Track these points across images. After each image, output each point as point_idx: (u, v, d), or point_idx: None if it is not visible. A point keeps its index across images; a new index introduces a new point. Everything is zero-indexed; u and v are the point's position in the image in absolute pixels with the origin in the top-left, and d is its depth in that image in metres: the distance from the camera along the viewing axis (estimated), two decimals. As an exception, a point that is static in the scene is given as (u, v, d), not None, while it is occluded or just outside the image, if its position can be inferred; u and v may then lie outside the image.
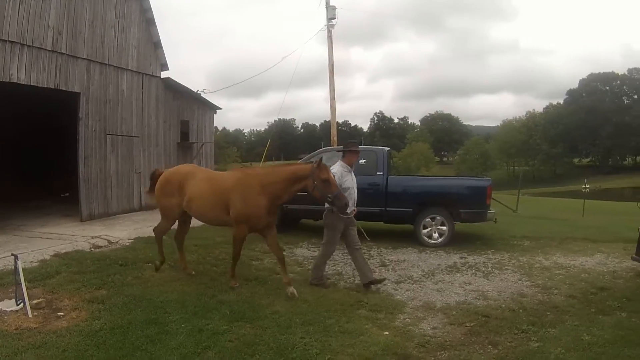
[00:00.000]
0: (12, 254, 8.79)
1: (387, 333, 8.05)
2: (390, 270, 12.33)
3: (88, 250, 12.98)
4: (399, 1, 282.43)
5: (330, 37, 30.30)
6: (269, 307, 8.93)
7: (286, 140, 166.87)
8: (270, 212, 9.91)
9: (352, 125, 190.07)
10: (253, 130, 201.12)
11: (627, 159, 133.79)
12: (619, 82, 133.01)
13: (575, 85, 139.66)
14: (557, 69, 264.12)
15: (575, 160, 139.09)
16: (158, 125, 22.70)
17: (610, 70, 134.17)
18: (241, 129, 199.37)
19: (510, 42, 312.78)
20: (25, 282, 8.28)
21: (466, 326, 8.54)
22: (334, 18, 30.14)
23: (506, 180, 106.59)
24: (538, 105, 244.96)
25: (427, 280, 11.66)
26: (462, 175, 71.83)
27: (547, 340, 7.88)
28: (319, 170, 9.44)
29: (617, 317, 9.10)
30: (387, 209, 15.65)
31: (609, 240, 16.72)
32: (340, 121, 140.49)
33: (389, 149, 17.40)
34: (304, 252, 14.25)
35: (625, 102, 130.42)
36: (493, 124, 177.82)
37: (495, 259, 13.95)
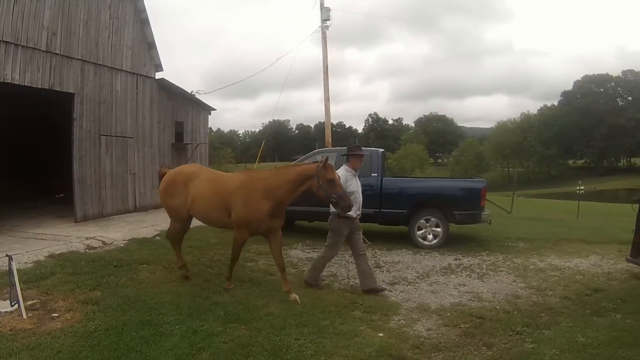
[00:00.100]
0: (7, 255, 8.78)
1: (381, 334, 8.05)
2: (385, 271, 12.34)
3: (82, 251, 12.99)
4: (394, 2, 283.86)
5: (324, 38, 30.29)
6: (263, 309, 8.92)
7: (281, 141, 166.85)
8: (274, 215, 9.75)
9: (347, 126, 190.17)
10: (248, 131, 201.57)
11: (621, 160, 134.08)
12: (613, 83, 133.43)
13: (569, 86, 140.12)
14: (551, 70, 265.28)
15: (570, 161, 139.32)
16: (152, 126, 22.71)
17: (605, 72, 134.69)
18: (236, 130, 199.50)
19: (505, 43, 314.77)
20: (19, 283, 8.26)
21: (461, 328, 8.54)
22: (329, 19, 30.12)
23: (500, 181, 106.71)
24: (532, 106, 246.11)
25: (422, 281, 11.68)
26: (457, 176, 71.95)
27: (541, 341, 7.88)
28: (324, 169, 9.36)
29: (611, 318, 9.12)
30: (382, 210, 15.66)
31: (604, 242, 16.77)
32: (334, 122, 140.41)
33: (383, 150, 17.41)
34: (298, 254, 14.26)
35: (620, 103, 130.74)
36: (487, 126, 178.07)
37: (489, 260, 13.98)
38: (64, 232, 15.56)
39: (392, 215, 15.81)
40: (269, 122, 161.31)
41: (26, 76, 15.90)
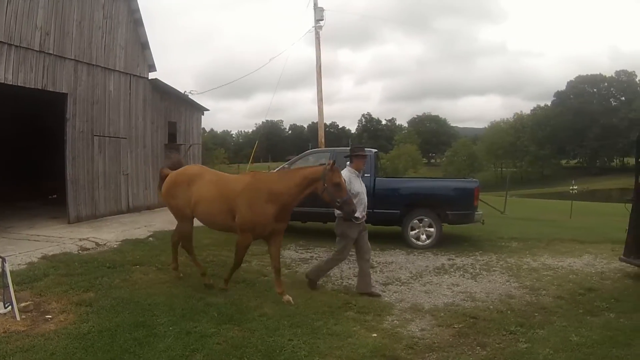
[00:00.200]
0: (0, 257, 8.75)
1: (375, 335, 8.06)
2: (378, 272, 12.32)
3: (76, 252, 12.94)
4: (387, 3, 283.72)
5: (318, 39, 30.34)
6: (257, 310, 8.92)
7: (274, 142, 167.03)
8: (278, 218, 9.64)
9: (340, 126, 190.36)
10: (241, 131, 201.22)
11: (614, 160, 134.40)
12: (606, 84, 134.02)
13: (563, 87, 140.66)
14: (545, 71, 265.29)
15: (563, 161, 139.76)
16: (145, 126, 22.67)
17: (598, 72, 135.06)
18: (229, 130, 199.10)
19: (499, 44, 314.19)
20: (13, 285, 8.24)
21: (454, 328, 8.56)
22: (322, 19, 30.21)
23: (494, 181, 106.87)
24: (526, 107, 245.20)
25: (415, 282, 11.70)
26: (450, 177, 72.02)
27: (535, 341, 7.91)
28: (331, 173, 9.27)
29: (605, 317, 9.16)
30: (375, 210, 15.58)
31: (597, 241, 16.84)
32: (327, 122, 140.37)
33: (376, 150, 17.44)
34: (291, 254, 14.25)
35: (613, 103, 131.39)
36: (481, 126, 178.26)
37: (483, 260, 14.01)
38: (57, 233, 15.50)
39: (386, 216, 15.79)
40: (262, 122, 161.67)
41: (19, 76, 15.83)
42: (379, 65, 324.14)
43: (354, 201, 9.75)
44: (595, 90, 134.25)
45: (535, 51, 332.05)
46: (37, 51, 16.40)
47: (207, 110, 29.23)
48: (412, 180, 21.00)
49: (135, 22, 21.75)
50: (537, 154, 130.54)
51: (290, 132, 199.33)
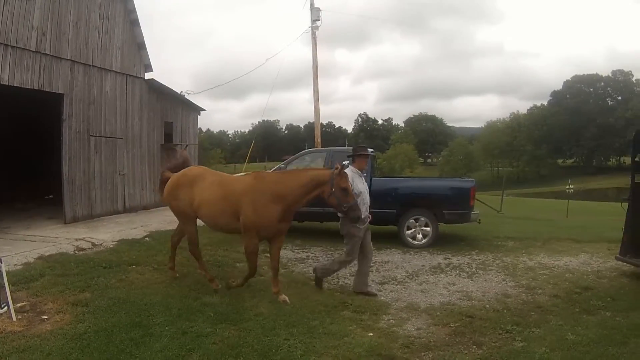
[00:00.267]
0: (-5, 257, 8.75)
1: (371, 334, 8.07)
2: (374, 271, 12.27)
3: (72, 252, 12.91)
4: (384, 3, 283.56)
5: (314, 39, 30.40)
6: (253, 309, 8.92)
7: (270, 142, 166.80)
8: (282, 219, 9.57)
9: (337, 126, 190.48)
10: (237, 131, 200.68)
11: (610, 159, 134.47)
12: (602, 83, 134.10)
13: (559, 87, 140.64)
14: (541, 71, 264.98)
15: (559, 161, 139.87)
16: (142, 126, 22.63)
17: (595, 72, 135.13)
18: (225, 130, 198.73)
19: (496, 44, 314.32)
20: (9, 285, 8.24)
21: (450, 327, 8.58)
22: (319, 20, 30.27)
23: (490, 181, 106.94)
24: (522, 107, 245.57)
25: (411, 281, 11.72)
26: (446, 176, 72.05)
27: (531, 340, 7.93)
28: (339, 177, 9.22)
29: (601, 316, 9.20)
30: (371, 210, 15.65)
31: (593, 240, 16.89)
32: (324, 122, 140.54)
33: (372, 150, 17.45)
34: (287, 254, 14.21)
35: (609, 103, 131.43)
36: (477, 126, 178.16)
37: (479, 259, 14.04)
38: (54, 233, 15.48)
39: (382, 215, 15.70)
40: (259, 122, 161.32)
41: (15, 76, 15.79)
42: (376, 65, 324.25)
43: (357, 200, 9.73)
44: (591, 89, 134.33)
45: (532, 51, 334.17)
46: (33, 51, 16.35)
47: (204, 110, 29.17)
48: (408, 180, 20.96)
49: (132, 22, 21.71)
50: (534, 153, 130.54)
51: (286, 132, 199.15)
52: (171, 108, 25.31)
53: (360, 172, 10.64)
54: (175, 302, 9.10)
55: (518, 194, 76.11)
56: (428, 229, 15.75)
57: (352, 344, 7.51)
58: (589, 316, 9.18)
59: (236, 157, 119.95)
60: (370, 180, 15.73)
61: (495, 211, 24.09)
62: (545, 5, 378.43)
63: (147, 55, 22.71)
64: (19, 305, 8.34)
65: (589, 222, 24.65)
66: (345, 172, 9.40)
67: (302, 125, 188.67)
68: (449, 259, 14.09)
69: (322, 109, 31.32)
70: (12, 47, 15.60)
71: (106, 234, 15.67)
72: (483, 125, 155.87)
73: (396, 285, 11.31)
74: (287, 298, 9.52)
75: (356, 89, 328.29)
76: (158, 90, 23.73)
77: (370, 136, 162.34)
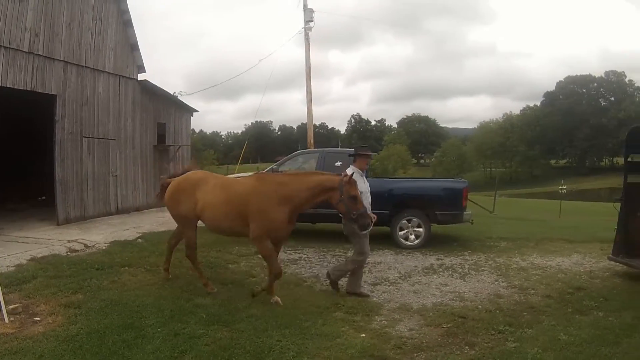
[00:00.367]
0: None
1: (363, 335, 8.09)
2: (367, 272, 12.22)
3: (64, 254, 12.88)
4: (377, 4, 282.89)
5: (307, 40, 30.43)
6: (245, 310, 8.92)
7: (263, 143, 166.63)
8: (290, 221, 9.58)
9: (330, 127, 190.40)
10: (230, 132, 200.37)
11: (603, 160, 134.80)
12: (595, 84, 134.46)
13: (552, 88, 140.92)
14: (534, 72, 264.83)
15: (552, 161, 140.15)
16: (134, 127, 22.58)
17: (588, 73, 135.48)
18: (218, 131, 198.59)
19: (488, 45, 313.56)
20: (1, 287, 8.24)
21: (443, 327, 8.61)
22: (312, 20, 30.29)
23: (483, 181, 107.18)
24: (515, 107, 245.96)
25: (404, 282, 11.74)
26: (439, 177, 72.16)
27: (524, 340, 7.97)
28: (348, 185, 9.20)
29: (594, 316, 9.26)
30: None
31: (586, 241, 16.94)
32: (317, 123, 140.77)
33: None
34: (280, 255, 14.12)
35: (602, 104, 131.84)
36: (470, 126, 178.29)
37: (471, 260, 14.06)
38: (46, 235, 15.45)
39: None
40: (252, 123, 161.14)
41: (8, 77, 15.74)
42: (369, 66, 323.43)
43: (366, 208, 9.70)
44: (584, 90, 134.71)
45: (525, 52, 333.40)
46: (26, 52, 16.31)
47: (197, 111, 29.11)
48: (401, 181, 21.01)
49: (125, 23, 21.67)
50: (527, 154, 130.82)
51: (279, 132, 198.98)
52: (164, 109, 25.28)
53: (361, 171, 10.61)
54: (168, 303, 9.09)
55: (511, 194, 76.44)
56: (421, 229, 15.77)
57: (344, 345, 7.52)
58: (582, 316, 9.22)
59: (229, 159, 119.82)
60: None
61: (488, 212, 24.10)
62: (538, 6, 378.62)
63: (140, 56, 22.68)
64: (11, 307, 8.34)
65: (582, 222, 24.72)
66: (354, 180, 9.36)
67: (295, 126, 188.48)
68: (441, 259, 14.11)
69: (315, 110, 31.31)
70: (5, 47, 15.55)
71: (99, 235, 15.63)
72: (476, 126, 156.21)
73: (389, 286, 11.33)
74: (279, 299, 9.51)
75: (349, 90, 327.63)
76: (151, 91, 23.70)
77: (363, 137, 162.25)
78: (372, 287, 11.19)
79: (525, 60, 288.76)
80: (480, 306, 9.84)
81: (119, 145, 21.41)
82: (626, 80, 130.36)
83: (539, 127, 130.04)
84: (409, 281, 11.76)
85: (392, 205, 15.72)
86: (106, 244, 14.26)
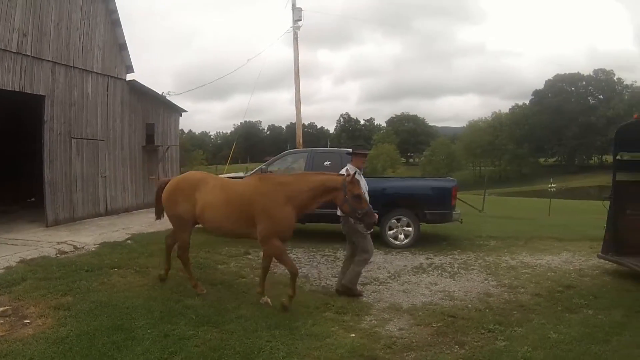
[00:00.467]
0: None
1: (353, 335, 8.11)
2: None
3: (54, 256, 12.84)
4: (366, 3, 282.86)
5: (296, 39, 30.43)
6: (234, 311, 8.93)
7: (252, 142, 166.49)
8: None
9: (319, 127, 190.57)
10: (219, 132, 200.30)
11: (592, 158, 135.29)
12: (584, 82, 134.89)
13: (541, 86, 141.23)
14: (523, 70, 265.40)
15: (541, 160, 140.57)
16: (123, 128, 22.52)
17: (576, 72, 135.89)
18: (207, 131, 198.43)
19: (478, 44, 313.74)
20: (-10, 289, 8.23)
21: (433, 327, 8.65)
22: (300, 20, 30.32)
23: (472, 180, 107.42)
24: (504, 106, 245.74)
25: (393, 281, 11.77)
26: (428, 176, 72.23)
27: (513, 339, 8.01)
28: (351, 185, 9.16)
29: (583, 314, 9.31)
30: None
31: (575, 239, 17.01)
32: (306, 123, 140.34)
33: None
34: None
35: (591, 102, 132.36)
36: (459, 125, 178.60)
37: (461, 259, 14.11)
38: (35, 237, 15.40)
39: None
40: (241, 123, 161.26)
41: (-4, 78, 15.74)
42: (358, 66, 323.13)
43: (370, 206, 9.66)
44: (573, 89, 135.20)
45: (514, 51, 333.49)
46: (14, 53, 16.23)
47: (185, 111, 29.00)
48: (390, 180, 21.03)
49: (113, 22, 21.60)
50: (516, 152, 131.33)
51: (268, 132, 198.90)
52: (152, 109, 25.23)
53: (359, 170, 10.55)
54: (157, 304, 9.07)
55: (500, 193, 76.46)
56: (410, 229, 15.80)
57: (334, 345, 7.54)
58: (571, 314, 9.28)
59: (218, 159, 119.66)
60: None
61: (477, 210, 24.15)
62: (528, 5, 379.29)
63: (129, 56, 22.62)
64: (0, 309, 8.34)
65: (571, 220, 24.79)
66: (357, 179, 9.31)
67: (284, 126, 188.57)
68: (431, 259, 14.15)
69: (304, 109, 31.36)
70: (-7, 48, 15.52)
71: (88, 236, 15.58)
72: (465, 125, 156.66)
73: (378, 285, 11.34)
74: (269, 300, 9.50)
75: (338, 89, 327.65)
76: (139, 92, 23.64)
77: (352, 136, 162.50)
78: (362, 286, 11.13)
79: (514, 59, 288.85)
80: (470, 305, 9.87)
81: (107, 146, 21.36)
82: (615, 78, 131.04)
83: (528, 125, 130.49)
84: (398, 281, 11.79)
85: (381, 204, 15.63)
86: (95, 246, 14.20)
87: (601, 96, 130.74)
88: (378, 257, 14.16)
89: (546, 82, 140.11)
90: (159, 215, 11.05)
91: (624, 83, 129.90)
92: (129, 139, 22.98)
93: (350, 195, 9.13)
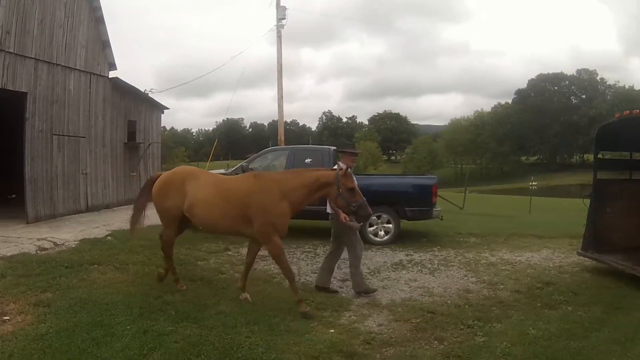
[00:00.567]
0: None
1: (332, 331, 8.16)
2: (336, 268, 12.11)
3: (34, 252, 12.75)
4: (350, 2, 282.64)
5: (279, 37, 30.43)
6: (214, 307, 8.92)
7: (234, 140, 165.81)
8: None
9: (301, 124, 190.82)
10: (201, 130, 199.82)
11: (574, 156, 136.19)
12: (567, 82, 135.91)
13: (524, 86, 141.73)
14: (506, 70, 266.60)
15: (523, 158, 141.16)
16: (105, 125, 22.45)
17: (560, 71, 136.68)
18: (189, 128, 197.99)
19: (461, 43, 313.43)
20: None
21: (412, 322, 8.71)
22: (284, 18, 30.32)
23: (453, 178, 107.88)
24: (487, 105, 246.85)
25: (373, 277, 11.83)
26: (408, 173, 72.41)
27: (493, 334, 8.08)
28: (344, 178, 9.14)
29: (563, 310, 9.41)
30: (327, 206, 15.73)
31: (555, 236, 17.17)
32: (288, 121, 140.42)
33: (335, 148, 17.47)
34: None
35: (574, 101, 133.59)
36: (441, 124, 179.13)
37: (441, 255, 14.21)
38: (16, 233, 15.32)
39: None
40: (223, 120, 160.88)
41: (-22, 75, 15.67)
42: (341, 64, 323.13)
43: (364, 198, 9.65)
44: (556, 88, 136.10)
45: (497, 50, 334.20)
46: (-3, 49, 16.21)
47: (167, 108, 28.98)
48: (371, 177, 21.00)
49: (97, 20, 21.53)
50: (497, 150, 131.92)
51: (250, 130, 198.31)
52: (134, 106, 25.17)
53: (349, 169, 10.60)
54: (137, 301, 9.03)
55: (481, 190, 76.87)
56: (390, 225, 15.90)
57: (313, 341, 7.56)
58: (551, 311, 9.38)
59: (199, 156, 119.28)
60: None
61: (458, 208, 24.29)
62: (512, 5, 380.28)
63: (112, 53, 22.56)
64: (-21, 306, 8.30)
65: (552, 218, 24.96)
66: (350, 172, 9.30)
67: (266, 124, 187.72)
68: (410, 255, 14.22)
69: (287, 107, 31.33)
70: (-24, 45, 15.46)
71: (68, 233, 15.54)
72: (447, 123, 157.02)
73: (359, 282, 11.28)
74: (248, 296, 9.52)
75: (321, 87, 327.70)
76: (122, 89, 23.58)
77: (334, 134, 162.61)
78: (342, 283, 11.29)
79: (498, 59, 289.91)
80: (449, 301, 9.96)
81: (89, 143, 21.29)
82: (598, 78, 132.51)
83: (510, 124, 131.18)
84: (378, 277, 11.86)
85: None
86: (76, 242, 14.16)
87: (584, 96, 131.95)
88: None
89: (529, 81, 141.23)
90: (138, 212, 10.81)
91: (607, 83, 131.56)
92: (111, 136, 22.92)
93: (344, 189, 9.11)
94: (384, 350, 7.56)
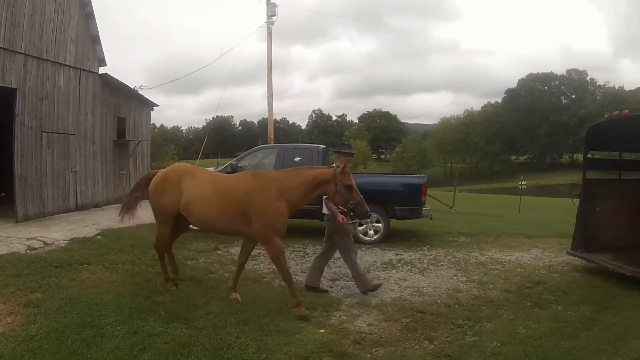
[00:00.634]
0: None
1: (322, 331, 8.15)
2: (326, 267, 12.22)
3: (23, 252, 12.71)
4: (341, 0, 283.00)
5: (269, 34, 30.43)
6: (204, 307, 8.90)
7: (223, 137, 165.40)
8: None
9: (291, 122, 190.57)
10: (191, 127, 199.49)
11: (564, 156, 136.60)
12: (557, 82, 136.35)
13: (514, 85, 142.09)
14: (497, 69, 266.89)
15: (513, 157, 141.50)
16: (94, 122, 22.39)
17: (550, 71, 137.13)
18: (179, 126, 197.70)
19: (451, 42, 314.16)
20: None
21: (402, 322, 8.70)
22: (275, 15, 30.34)
23: (443, 177, 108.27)
24: (477, 104, 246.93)
25: (363, 277, 11.73)
26: (398, 172, 72.49)
27: (483, 334, 8.08)
28: (342, 175, 9.08)
29: (552, 310, 9.43)
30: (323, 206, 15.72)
31: (545, 236, 17.23)
32: (278, 118, 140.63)
33: (324, 146, 17.49)
34: (238, 251, 14.20)
35: (564, 101, 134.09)
36: (431, 122, 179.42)
37: (430, 255, 14.23)
38: (5, 232, 15.26)
39: (334, 211, 15.86)
40: (212, 118, 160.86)
41: (-33, 70, 15.60)
42: (331, 62, 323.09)
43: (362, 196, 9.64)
44: (546, 88, 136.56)
45: (488, 49, 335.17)
46: (-14, 45, 16.13)
47: (157, 105, 28.99)
48: (360, 176, 21.01)
49: (87, 15, 21.44)
50: (487, 150, 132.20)
51: (240, 127, 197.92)
52: (124, 103, 25.09)
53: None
54: (127, 301, 9.00)
55: (471, 190, 77.01)
56: (380, 225, 15.91)
57: (303, 341, 7.55)
58: (541, 310, 9.40)
59: (189, 153, 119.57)
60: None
61: (448, 207, 24.26)
62: (502, 4, 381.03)
63: (102, 49, 22.50)
64: (-31, 307, 8.26)
65: (541, 217, 25.02)
66: (347, 170, 9.26)
67: (256, 121, 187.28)
68: (400, 254, 14.22)
69: (276, 105, 31.31)
70: (-35, 40, 15.38)
71: (58, 232, 15.49)
72: (437, 122, 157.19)
73: (348, 281, 11.34)
74: (238, 296, 9.50)
75: (311, 85, 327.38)
76: (111, 85, 23.51)
77: (324, 132, 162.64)
78: (331, 282, 11.29)
79: (488, 58, 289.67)
80: (439, 301, 9.96)
81: (78, 140, 21.21)
82: (588, 78, 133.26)
83: (500, 123, 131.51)
84: (367, 276, 11.75)
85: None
86: (65, 242, 14.12)
87: (574, 96, 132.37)
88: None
89: (519, 80, 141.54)
90: (129, 207, 10.65)
91: (597, 83, 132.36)
92: (100, 133, 22.85)
93: (342, 186, 9.05)
94: (374, 350, 7.55)
